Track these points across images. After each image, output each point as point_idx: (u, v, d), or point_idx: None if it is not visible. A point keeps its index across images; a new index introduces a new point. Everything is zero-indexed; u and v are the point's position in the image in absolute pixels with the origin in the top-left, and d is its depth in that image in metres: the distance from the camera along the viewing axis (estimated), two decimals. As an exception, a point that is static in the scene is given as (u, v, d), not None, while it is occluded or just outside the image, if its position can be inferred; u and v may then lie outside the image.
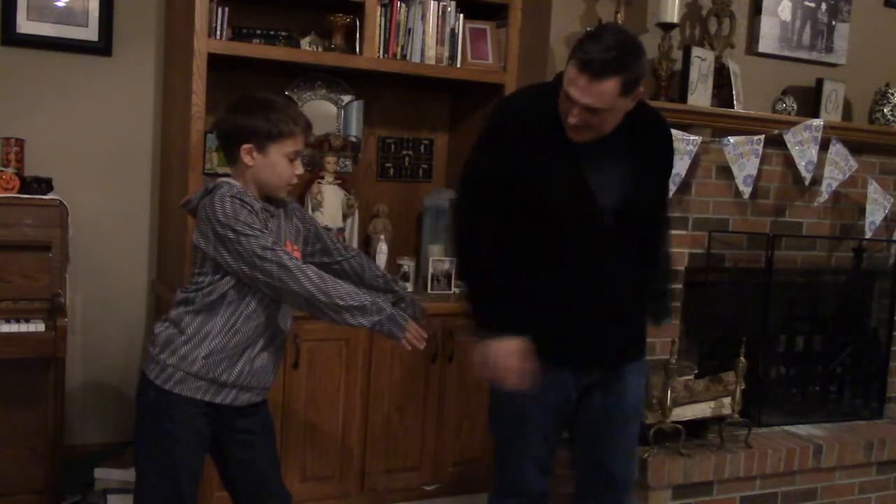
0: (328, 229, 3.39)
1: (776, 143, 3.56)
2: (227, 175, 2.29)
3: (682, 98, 3.43)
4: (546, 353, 2.27)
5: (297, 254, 2.30)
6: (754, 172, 3.50)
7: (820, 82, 3.78)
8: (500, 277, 2.32)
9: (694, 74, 3.43)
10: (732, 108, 3.52)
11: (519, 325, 2.27)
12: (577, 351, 2.33)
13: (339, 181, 3.51)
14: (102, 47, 3.40)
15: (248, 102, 2.23)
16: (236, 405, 2.23)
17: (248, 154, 2.18)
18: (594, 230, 2.27)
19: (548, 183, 2.23)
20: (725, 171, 3.52)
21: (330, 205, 3.45)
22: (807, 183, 3.64)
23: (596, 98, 2.11)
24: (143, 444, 2.24)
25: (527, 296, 2.32)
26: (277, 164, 2.20)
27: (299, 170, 2.25)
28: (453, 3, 3.45)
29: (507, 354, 2.21)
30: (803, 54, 3.83)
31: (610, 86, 2.10)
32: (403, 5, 3.36)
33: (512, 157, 2.24)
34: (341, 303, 2.09)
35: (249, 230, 2.08)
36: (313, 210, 3.41)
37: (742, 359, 3.24)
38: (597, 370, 2.37)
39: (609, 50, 2.08)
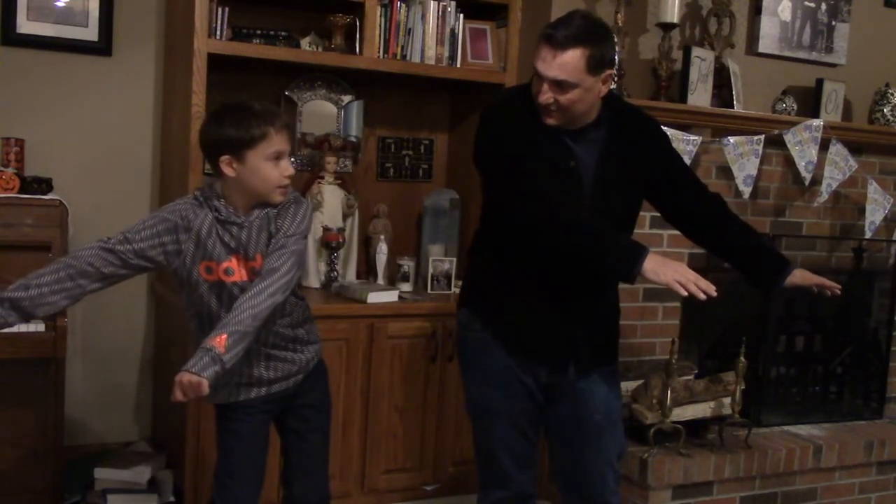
0: (328, 229, 3.40)
1: (776, 143, 3.56)
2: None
3: (682, 98, 3.43)
4: (514, 344, 2.35)
5: (259, 263, 2.17)
6: (754, 172, 3.51)
7: (820, 82, 3.79)
8: (488, 259, 2.41)
9: (694, 74, 3.43)
10: (732, 108, 3.52)
11: (494, 311, 2.37)
12: (543, 346, 2.36)
13: (339, 181, 3.51)
14: (102, 47, 3.40)
15: (218, 112, 2.17)
16: (247, 399, 2.28)
17: (228, 166, 2.13)
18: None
19: (534, 167, 2.23)
20: (725, 172, 3.52)
21: (330, 205, 3.45)
22: (807, 183, 3.64)
23: (560, 70, 2.15)
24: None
25: (507, 284, 2.36)
26: (260, 169, 2.12)
27: (288, 170, 2.15)
28: (453, 3, 3.45)
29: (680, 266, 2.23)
30: (803, 54, 3.83)
31: (573, 56, 2.14)
32: (403, 5, 3.36)
33: (511, 145, 2.26)
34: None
35: (126, 231, 2.14)
36: (313, 210, 3.40)
37: (742, 359, 3.24)
38: (561, 370, 2.39)
39: (570, 25, 2.17)
